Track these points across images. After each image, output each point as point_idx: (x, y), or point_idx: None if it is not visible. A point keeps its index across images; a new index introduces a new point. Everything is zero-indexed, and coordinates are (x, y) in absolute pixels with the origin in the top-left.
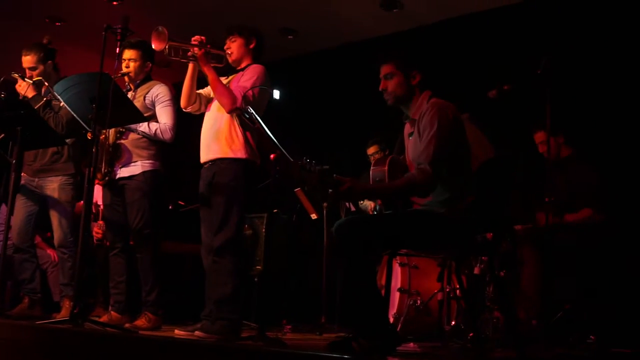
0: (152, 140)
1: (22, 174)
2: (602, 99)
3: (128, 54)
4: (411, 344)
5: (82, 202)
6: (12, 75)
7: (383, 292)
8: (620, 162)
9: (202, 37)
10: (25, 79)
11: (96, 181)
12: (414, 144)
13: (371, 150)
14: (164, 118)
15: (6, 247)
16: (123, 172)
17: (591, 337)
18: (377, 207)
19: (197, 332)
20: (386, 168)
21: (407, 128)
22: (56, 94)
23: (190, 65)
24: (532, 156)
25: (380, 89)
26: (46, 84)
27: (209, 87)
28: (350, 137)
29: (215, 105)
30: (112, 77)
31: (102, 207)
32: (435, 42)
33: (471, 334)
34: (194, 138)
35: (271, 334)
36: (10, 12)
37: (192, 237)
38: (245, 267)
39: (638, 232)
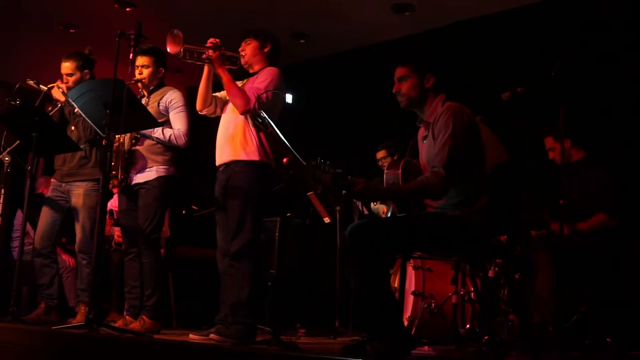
0: (167, 146)
1: (52, 180)
2: (614, 102)
3: (141, 60)
4: (426, 347)
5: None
6: (28, 82)
7: (397, 295)
8: (633, 166)
9: (217, 40)
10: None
11: (114, 189)
12: (428, 147)
13: (380, 154)
14: (178, 124)
15: (22, 252)
16: (138, 178)
17: (607, 340)
18: (391, 210)
19: (211, 336)
20: (400, 171)
21: (421, 132)
22: (71, 100)
23: (206, 68)
24: (545, 159)
25: (394, 90)
26: (60, 89)
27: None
28: (362, 141)
29: (230, 107)
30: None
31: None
32: (447, 45)
33: (486, 337)
34: (211, 141)
35: (285, 338)
36: (24, 20)
37: (206, 241)
38: (260, 271)
39: None
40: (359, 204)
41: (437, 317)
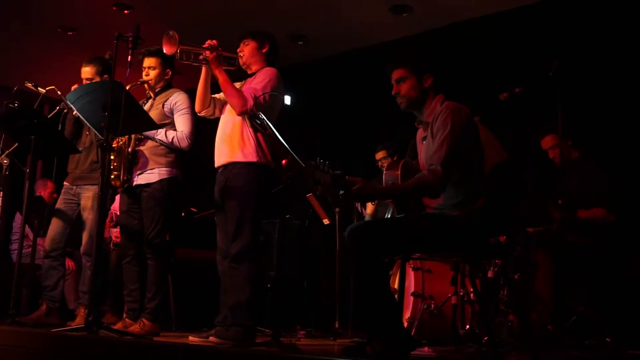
0: (170, 148)
1: (65, 183)
2: (612, 101)
3: (148, 61)
4: (425, 348)
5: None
6: (26, 84)
7: (397, 296)
8: (631, 165)
9: (214, 41)
10: (38, 88)
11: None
12: (428, 147)
13: (379, 155)
14: (182, 126)
15: (21, 255)
16: (140, 180)
17: (607, 339)
18: (390, 211)
19: (211, 338)
20: (399, 172)
21: (420, 132)
22: (69, 103)
23: (204, 69)
24: (543, 159)
25: (393, 93)
26: (59, 92)
27: None
28: (361, 142)
29: (228, 108)
30: (130, 85)
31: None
32: (446, 46)
33: (486, 338)
34: (209, 143)
35: (285, 340)
36: (23, 23)
37: (205, 243)
38: (260, 273)
39: None
40: (358, 205)
41: (436, 318)
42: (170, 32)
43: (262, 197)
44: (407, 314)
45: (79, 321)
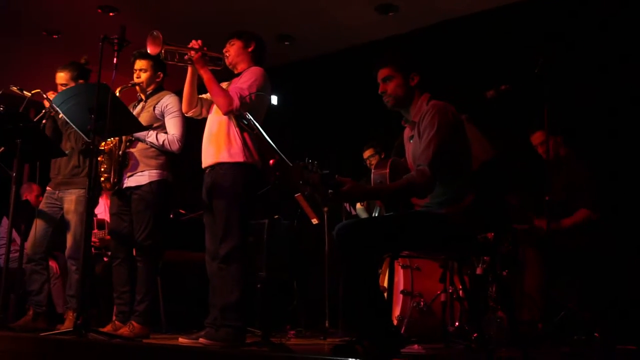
0: (161, 150)
1: (47, 188)
2: (598, 97)
3: (139, 64)
4: (415, 346)
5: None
6: (11, 88)
7: (386, 294)
8: (617, 161)
9: (199, 41)
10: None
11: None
12: (415, 147)
13: (367, 153)
14: (173, 129)
15: (9, 260)
16: (130, 182)
17: (595, 334)
18: (378, 210)
19: (201, 340)
20: (387, 171)
21: (407, 132)
22: (55, 106)
23: (189, 70)
24: (530, 156)
25: (379, 91)
26: (44, 95)
27: None
28: (348, 141)
29: (215, 108)
30: (121, 87)
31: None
32: (432, 44)
33: (475, 335)
34: (197, 144)
35: (275, 340)
36: (7, 26)
37: (194, 245)
38: (250, 274)
39: (635, 229)
40: (347, 204)
41: (426, 315)
42: (155, 32)
43: (250, 197)
44: (396, 312)
45: (67, 325)
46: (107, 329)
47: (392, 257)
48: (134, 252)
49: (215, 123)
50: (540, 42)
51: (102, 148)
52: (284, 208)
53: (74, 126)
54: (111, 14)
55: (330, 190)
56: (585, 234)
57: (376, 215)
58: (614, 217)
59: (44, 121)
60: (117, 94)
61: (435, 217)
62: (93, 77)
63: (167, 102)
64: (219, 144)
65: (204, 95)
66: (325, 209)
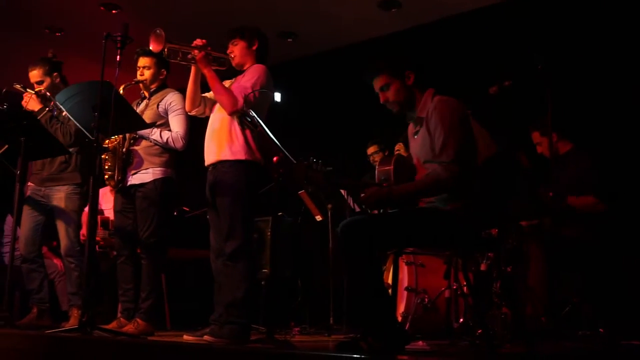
0: (165, 148)
1: (29, 184)
2: (601, 93)
3: (142, 61)
4: (420, 342)
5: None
6: (15, 86)
7: (390, 291)
8: (622, 155)
9: (203, 40)
10: (28, 90)
11: (109, 189)
12: (422, 142)
13: (370, 150)
14: (176, 126)
15: (13, 257)
16: (134, 180)
17: (600, 330)
18: None
19: (206, 337)
20: (392, 167)
21: (411, 128)
22: (58, 104)
23: (193, 69)
24: (533, 152)
25: (381, 102)
26: (48, 94)
27: None
28: (352, 138)
29: (217, 106)
30: (125, 84)
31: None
32: (435, 40)
33: (480, 331)
34: (200, 141)
35: (280, 337)
36: (10, 24)
37: (198, 242)
38: (255, 271)
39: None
40: (350, 201)
41: (430, 312)
42: (158, 30)
43: (253, 195)
44: (401, 309)
45: (72, 322)
46: (112, 326)
47: (396, 253)
48: (138, 249)
49: (217, 120)
50: (544, 37)
51: (106, 146)
52: (287, 205)
53: (77, 124)
54: (114, 11)
55: (358, 204)
56: (590, 228)
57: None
58: (620, 210)
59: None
60: (121, 92)
61: (440, 213)
62: (85, 70)
63: (171, 99)
64: (221, 142)
65: (207, 94)
66: (329, 205)
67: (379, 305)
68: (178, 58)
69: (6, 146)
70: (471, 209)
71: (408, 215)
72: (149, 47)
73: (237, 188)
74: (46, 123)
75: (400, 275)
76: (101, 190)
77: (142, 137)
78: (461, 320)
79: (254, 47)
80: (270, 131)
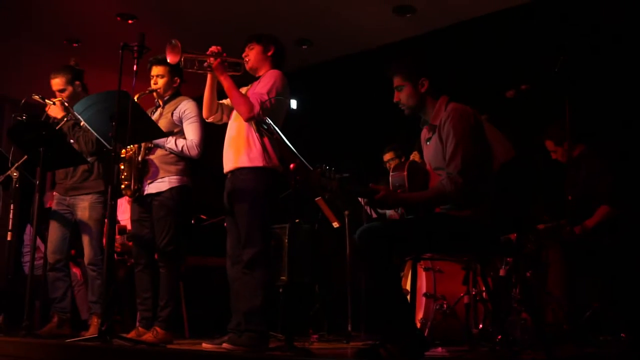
0: (180, 156)
1: (54, 193)
2: (618, 96)
3: (156, 70)
4: (439, 349)
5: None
6: (33, 97)
7: (409, 297)
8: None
9: (219, 47)
10: (46, 101)
11: (126, 198)
12: (434, 150)
13: (387, 156)
14: (191, 135)
15: (33, 267)
16: (151, 189)
17: (622, 335)
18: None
19: (224, 345)
20: (405, 173)
21: (424, 133)
22: (76, 114)
23: (209, 76)
24: (549, 157)
25: (395, 100)
26: (66, 104)
27: None
28: (368, 144)
29: (235, 113)
30: (139, 94)
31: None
32: (451, 45)
33: (499, 337)
34: (218, 149)
35: (298, 344)
36: (28, 36)
37: (216, 250)
38: (272, 278)
39: None
40: (367, 207)
41: (449, 318)
42: (173, 41)
43: (271, 202)
44: (419, 315)
45: (92, 331)
46: (131, 334)
47: (414, 259)
48: (155, 257)
49: (235, 127)
50: (560, 40)
51: (123, 156)
52: (304, 212)
53: (95, 134)
54: (130, 21)
55: (365, 199)
56: (607, 233)
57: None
58: (635, 213)
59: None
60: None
61: (458, 219)
62: (102, 80)
63: (185, 107)
64: (238, 149)
65: (224, 101)
66: (346, 212)
67: (397, 311)
68: (195, 67)
69: (25, 157)
70: (489, 214)
71: (425, 221)
72: (162, 55)
73: (255, 195)
74: (69, 130)
75: (418, 282)
76: (118, 201)
77: (158, 146)
78: (480, 326)
79: (270, 53)
80: (287, 138)
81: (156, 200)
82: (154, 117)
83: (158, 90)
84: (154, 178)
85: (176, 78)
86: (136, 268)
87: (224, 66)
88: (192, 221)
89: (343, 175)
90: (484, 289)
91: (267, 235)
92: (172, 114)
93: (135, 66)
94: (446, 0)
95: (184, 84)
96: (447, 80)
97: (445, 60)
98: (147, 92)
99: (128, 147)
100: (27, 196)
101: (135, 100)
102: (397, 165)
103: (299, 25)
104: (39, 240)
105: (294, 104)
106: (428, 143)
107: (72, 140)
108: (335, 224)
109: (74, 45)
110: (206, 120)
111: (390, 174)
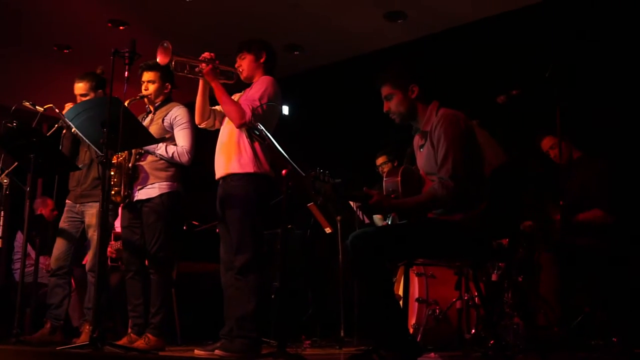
0: (171, 162)
1: (67, 201)
2: (609, 100)
3: (147, 75)
4: (432, 354)
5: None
6: (24, 103)
7: (401, 302)
8: (632, 165)
9: (212, 54)
10: (37, 107)
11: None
12: (427, 156)
13: (380, 160)
14: (182, 141)
15: (24, 274)
16: (141, 195)
17: (613, 339)
18: (390, 218)
19: (217, 352)
20: (399, 179)
21: (417, 140)
22: (67, 120)
23: (201, 82)
24: (543, 160)
25: (385, 110)
26: (57, 110)
27: None
28: (360, 150)
29: (226, 119)
30: (129, 99)
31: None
32: (442, 51)
33: (492, 342)
34: (210, 154)
35: (291, 350)
36: (19, 42)
37: (208, 256)
38: (265, 284)
39: None
40: (360, 213)
41: (442, 323)
42: (165, 43)
43: (262, 208)
44: (412, 320)
45: (83, 338)
46: (123, 342)
47: (406, 265)
48: (146, 264)
49: (226, 133)
50: (550, 45)
51: (113, 162)
52: (297, 218)
53: (86, 140)
54: (121, 27)
55: (357, 203)
56: (598, 236)
57: (389, 222)
58: (631, 219)
59: (64, 131)
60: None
61: (450, 224)
62: (69, 83)
63: (176, 113)
64: (229, 154)
65: (217, 107)
66: (339, 218)
67: (390, 317)
68: (185, 71)
69: (16, 163)
70: (481, 219)
71: (417, 226)
72: (153, 61)
73: (246, 201)
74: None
75: (411, 287)
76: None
77: (148, 152)
78: (473, 331)
79: (262, 60)
80: (279, 144)
81: (146, 206)
82: (145, 123)
83: (149, 96)
84: (144, 184)
85: (167, 84)
86: (127, 274)
87: (216, 73)
88: (185, 227)
89: (335, 180)
90: (476, 294)
91: (259, 241)
92: (163, 120)
93: (126, 72)
94: (437, 6)
95: (175, 90)
96: (438, 86)
97: (436, 66)
98: (137, 97)
99: (118, 153)
100: (17, 203)
101: (126, 105)
102: (391, 170)
103: (291, 31)
104: (29, 248)
105: (285, 109)
106: (421, 149)
107: (86, 150)
108: (328, 230)
109: (65, 51)
110: (199, 126)
111: (384, 179)
